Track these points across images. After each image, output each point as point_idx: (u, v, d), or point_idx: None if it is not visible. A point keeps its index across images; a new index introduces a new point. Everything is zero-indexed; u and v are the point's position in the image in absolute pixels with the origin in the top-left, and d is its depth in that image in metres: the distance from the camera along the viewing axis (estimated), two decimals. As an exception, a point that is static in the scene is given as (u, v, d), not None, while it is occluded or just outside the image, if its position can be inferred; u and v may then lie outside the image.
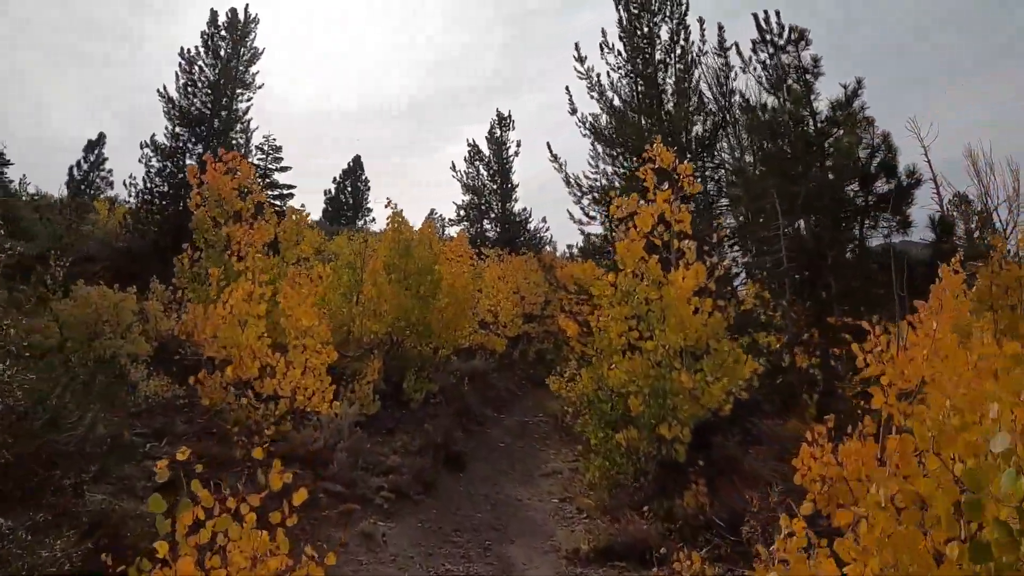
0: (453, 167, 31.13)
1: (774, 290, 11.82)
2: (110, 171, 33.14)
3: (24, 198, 23.01)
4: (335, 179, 47.12)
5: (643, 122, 14.87)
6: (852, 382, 10.10)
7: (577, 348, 13.63)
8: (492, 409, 14.11)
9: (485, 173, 30.81)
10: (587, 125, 15.16)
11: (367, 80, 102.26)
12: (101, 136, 33.77)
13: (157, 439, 7.08)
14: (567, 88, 15.18)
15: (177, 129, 19.61)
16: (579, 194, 14.15)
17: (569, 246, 30.74)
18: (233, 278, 7.38)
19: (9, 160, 32.54)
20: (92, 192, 31.33)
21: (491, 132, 31.11)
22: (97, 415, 5.48)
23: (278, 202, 20.30)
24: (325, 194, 46.52)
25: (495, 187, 30.67)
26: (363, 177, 47.34)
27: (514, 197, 30.74)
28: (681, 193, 8.46)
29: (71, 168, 32.09)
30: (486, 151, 31.05)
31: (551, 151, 14.53)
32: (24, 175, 32.88)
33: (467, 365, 16.52)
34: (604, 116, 15.22)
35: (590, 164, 14.79)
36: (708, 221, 13.21)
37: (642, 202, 8.52)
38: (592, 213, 14.08)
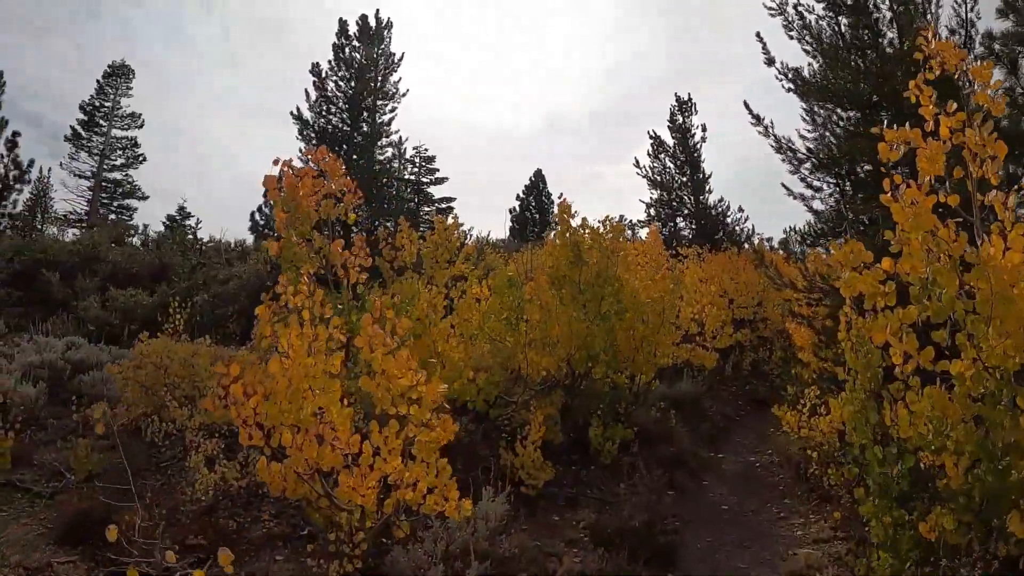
0: (637, 163, 28.21)
1: None
2: (288, 212, 33.87)
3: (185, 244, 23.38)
4: (518, 196, 46.24)
5: (858, 63, 11.31)
6: None
7: (813, 364, 10.35)
8: (707, 447, 11.18)
9: (672, 165, 27.62)
10: (789, 77, 11.82)
11: (544, 93, 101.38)
12: (280, 178, 34.62)
13: (209, 553, 5.07)
14: (758, 35, 11.94)
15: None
16: (795, 162, 10.88)
17: (768, 239, 26.77)
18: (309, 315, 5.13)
19: (190, 212, 34.70)
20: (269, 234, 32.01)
21: (672, 119, 27.95)
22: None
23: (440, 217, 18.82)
24: (511, 212, 45.70)
25: (684, 179, 27.36)
26: (546, 191, 46.37)
27: (707, 188, 27.24)
28: (983, 115, 5.21)
29: (252, 213, 33.03)
30: (669, 141, 27.89)
31: (750, 110, 11.40)
32: (189, 221, 34.67)
33: (673, 390, 13.70)
34: (807, 64, 11.80)
35: (804, 121, 11.44)
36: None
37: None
38: (816, 183, 10.76)
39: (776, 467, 9.85)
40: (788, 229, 28.24)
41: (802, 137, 11.04)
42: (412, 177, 20.75)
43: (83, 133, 37.38)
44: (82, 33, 70.85)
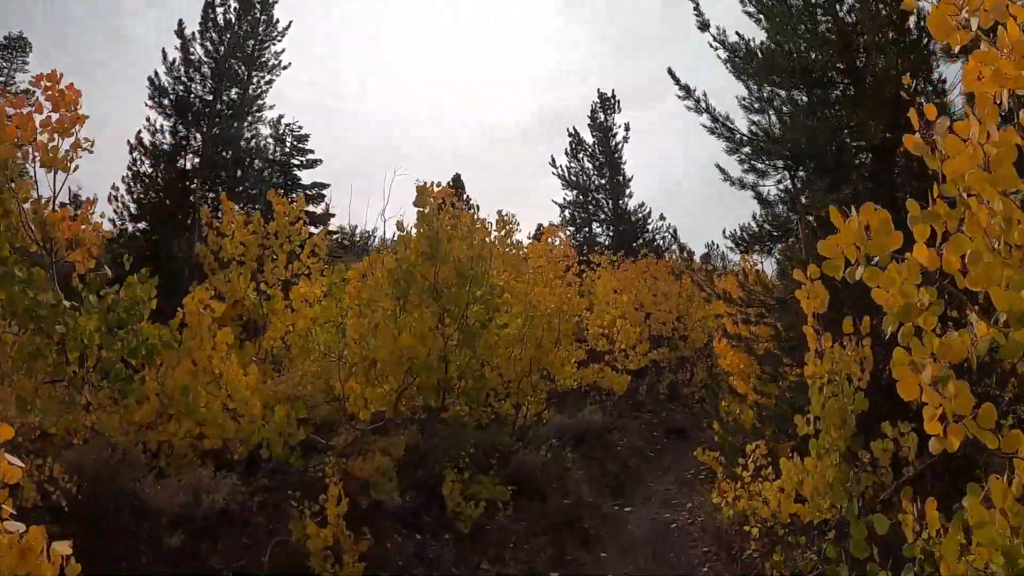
0: (553, 162, 25.79)
1: None
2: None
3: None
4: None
5: (813, 29, 9.17)
6: None
7: (750, 398, 8.15)
8: (612, 496, 8.89)
9: (590, 166, 25.42)
10: (726, 45, 9.55)
11: (483, 103, 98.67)
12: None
13: None
14: (686, -9, 9.70)
15: (169, 122, 15.70)
16: (733, 142, 8.66)
17: (691, 252, 24.99)
18: None
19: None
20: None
21: (593, 116, 25.77)
22: None
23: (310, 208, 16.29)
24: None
25: (603, 182, 25.21)
26: (464, 196, 43.75)
27: (627, 192, 25.16)
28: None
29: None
30: (589, 139, 25.72)
31: (677, 80, 9.17)
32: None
33: (575, 420, 11.43)
34: (761, 40, 9.54)
35: (749, 91, 9.18)
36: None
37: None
38: (760, 165, 8.54)
39: (699, 532, 7.56)
40: (711, 243, 26.60)
41: (744, 108, 8.82)
42: (283, 158, 18.04)
43: (-32, 111, 32.78)
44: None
